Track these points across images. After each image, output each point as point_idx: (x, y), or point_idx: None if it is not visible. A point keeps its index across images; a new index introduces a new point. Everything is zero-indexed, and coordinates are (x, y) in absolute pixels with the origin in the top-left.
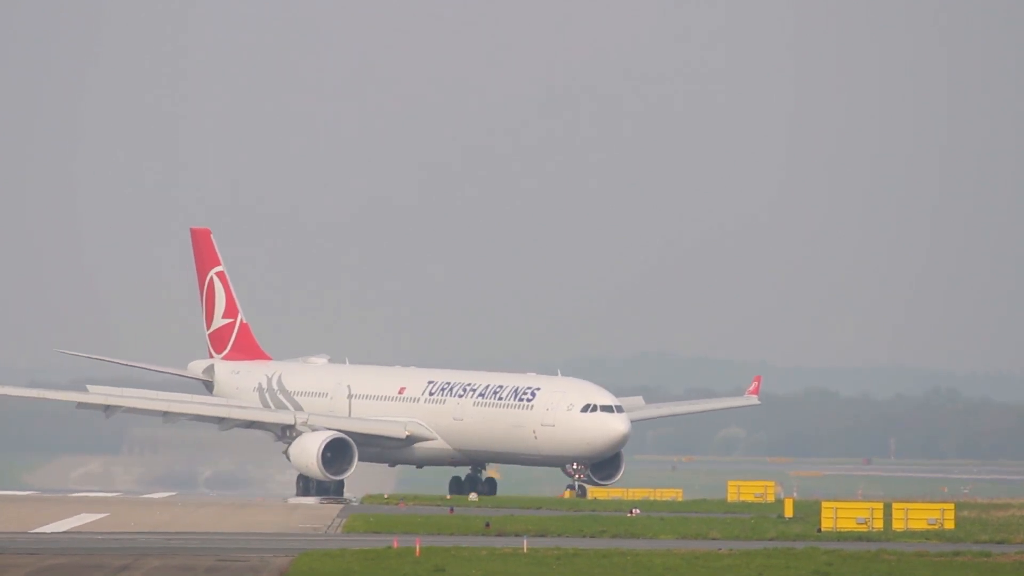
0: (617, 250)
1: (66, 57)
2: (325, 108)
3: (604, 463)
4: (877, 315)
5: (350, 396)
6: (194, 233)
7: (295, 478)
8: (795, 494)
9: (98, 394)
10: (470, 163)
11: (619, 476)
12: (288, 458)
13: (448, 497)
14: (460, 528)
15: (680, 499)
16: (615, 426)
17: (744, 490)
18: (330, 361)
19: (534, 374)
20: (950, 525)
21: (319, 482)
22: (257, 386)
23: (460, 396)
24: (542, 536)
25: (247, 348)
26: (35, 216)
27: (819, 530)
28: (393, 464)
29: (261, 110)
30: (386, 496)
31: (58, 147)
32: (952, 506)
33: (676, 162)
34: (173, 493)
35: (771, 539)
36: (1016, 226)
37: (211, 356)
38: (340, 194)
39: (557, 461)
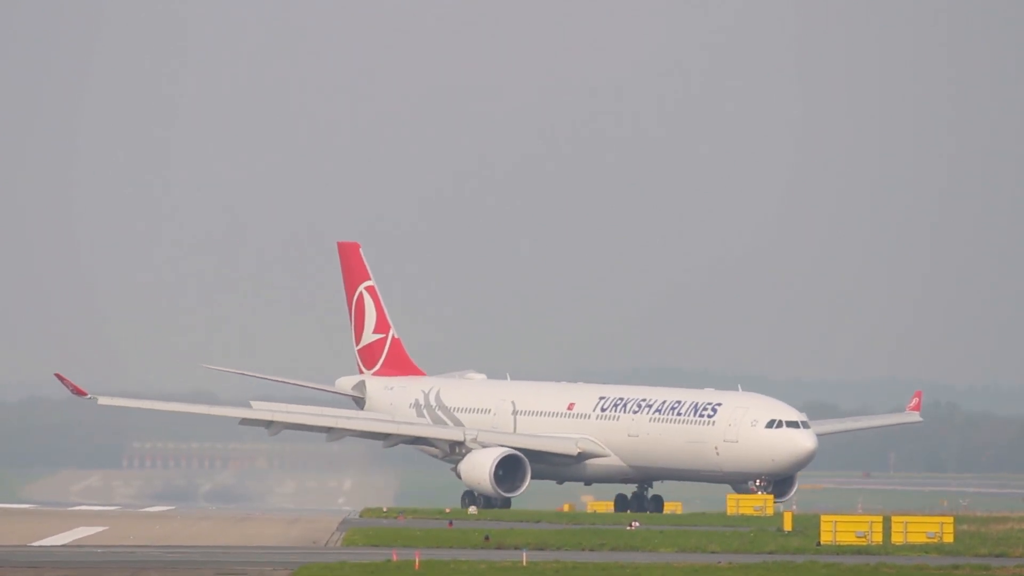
0: (615, 267)
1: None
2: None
3: (778, 480)
4: (877, 329)
5: (515, 412)
6: (342, 247)
7: (460, 494)
8: (794, 507)
9: (262, 410)
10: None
11: (792, 493)
12: (458, 475)
13: (447, 511)
14: (459, 541)
15: (679, 512)
16: (802, 442)
17: (743, 503)
18: (488, 377)
19: (712, 389)
20: (949, 539)
21: (487, 499)
22: (413, 402)
23: (635, 412)
24: (541, 550)
25: (399, 364)
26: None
27: (818, 543)
28: (561, 481)
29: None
30: (385, 509)
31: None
32: (951, 519)
33: (678, 174)
34: (172, 507)
35: (770, 552)
36: (1017, 240)
37: (360, 372)
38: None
39: (739, 478)
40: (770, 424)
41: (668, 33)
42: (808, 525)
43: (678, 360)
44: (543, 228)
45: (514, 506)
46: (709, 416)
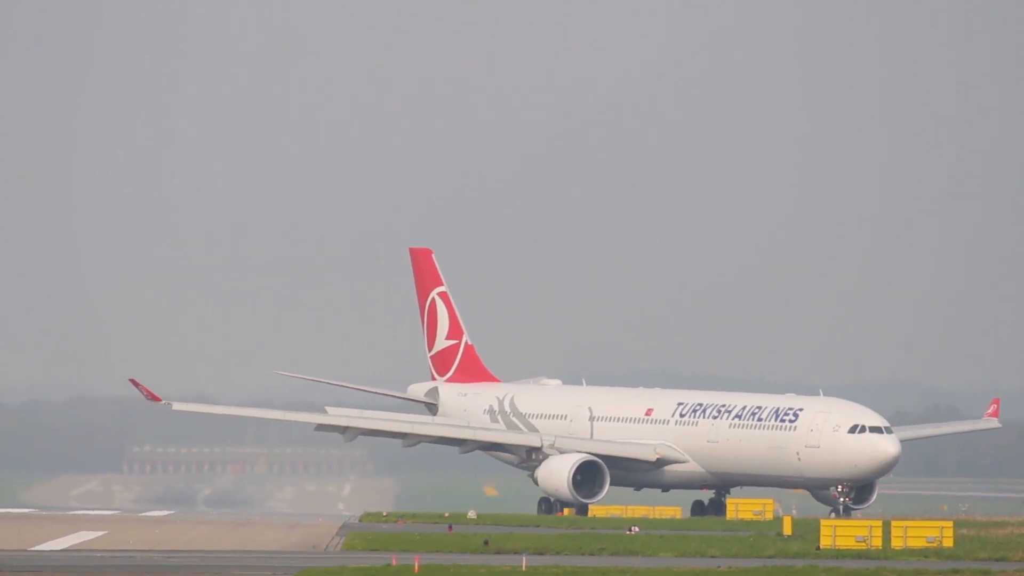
0: (615, 273)
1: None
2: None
3: (859, 487)
4: (877, 333)
5: (592, 418)
6: (414, 253)
7: (536, 500)
8: (794, 512)
9: (338, 416)
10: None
11: (872, 500)
12: (535, 481)
13: (447, 515)
14: (459, 546)
15: (679, 517)
16: (886, 448)
17: (743, 507)
18: (563, 382)
19: (793, 395)
20: (949, 543)
21: (564, 505)
22: (488, 408)
23: (715, 418)
24: (541, 554)
25: (473, 370)
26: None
27: (818, 548)
28: (639, 488)
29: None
30: (385, 514)
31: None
32: (951, 524)
33: (682, 181)
34: (172, 511)
35: (770, 557)
36: (1017, 245)
37: (433, 378)
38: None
39: (820, 484)
40: (853, 429)
41: (672, 38)
42: (808, 529)
43: (677, 363)
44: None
45: (514, 511)
46: (791, 421)
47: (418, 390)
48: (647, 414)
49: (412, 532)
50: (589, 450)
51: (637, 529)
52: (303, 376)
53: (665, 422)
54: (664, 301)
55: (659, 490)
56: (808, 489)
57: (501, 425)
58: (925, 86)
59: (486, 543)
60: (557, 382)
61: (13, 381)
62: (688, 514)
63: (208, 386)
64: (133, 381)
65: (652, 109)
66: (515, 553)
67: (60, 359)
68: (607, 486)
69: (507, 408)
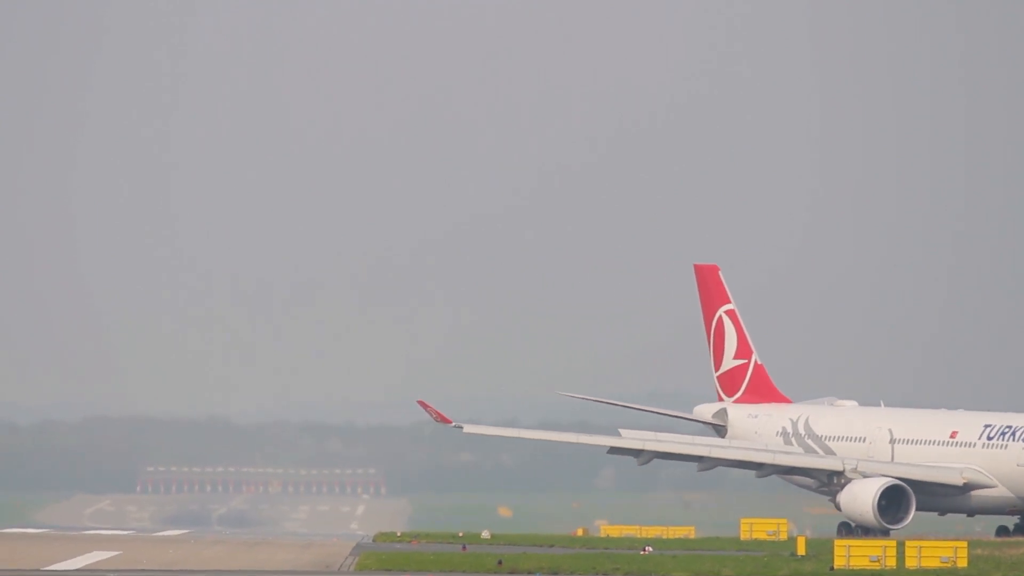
0: (624, 290)
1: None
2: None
3: None
4: (893, 354)
5: (892, 441)
6: (699, 270)
7: (836, 525)
8: (808, 532)
9: (632, 439)
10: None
11: None
12: (837, 506)
13: (461, 535)
14: (473, 566)
15: (693, 536)
16: None
17: (757, 527)
18: (860, 404)
19: None
20: (963, 563)
21: (865, 530)
22: (780, 430)
23: None
24: (555, 573)
25: (763, 390)
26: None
27: (832, 568)
28: (943, 513)
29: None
30: (399, 533)
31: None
32: (965, 544)
33: (691, 191)
34: (186, 531)
35: None
36: None
37: (720, 399)
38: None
39: None
40: None
41: (683, 55)
42: (822, 549)
43: (688, 385)
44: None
45: (528, 531)
46: None
47: (705, 411)
48: (952, 436)
49: (426, 552)
50: (893, 474)
51: (651, 549)
52: (586, 397)
53: (971, 445)
54: (655, 316)
55: (965, 515)
56: None
57: (796, 447)
58: (938, 98)
59: (500, 563)
60: (853, 403)
61: (25, 402)
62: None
63: (219, 406)
64: (422, 403)
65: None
66: (529, 573)
67: (72, 380)
68: (912, 512)
69: (801, 430)
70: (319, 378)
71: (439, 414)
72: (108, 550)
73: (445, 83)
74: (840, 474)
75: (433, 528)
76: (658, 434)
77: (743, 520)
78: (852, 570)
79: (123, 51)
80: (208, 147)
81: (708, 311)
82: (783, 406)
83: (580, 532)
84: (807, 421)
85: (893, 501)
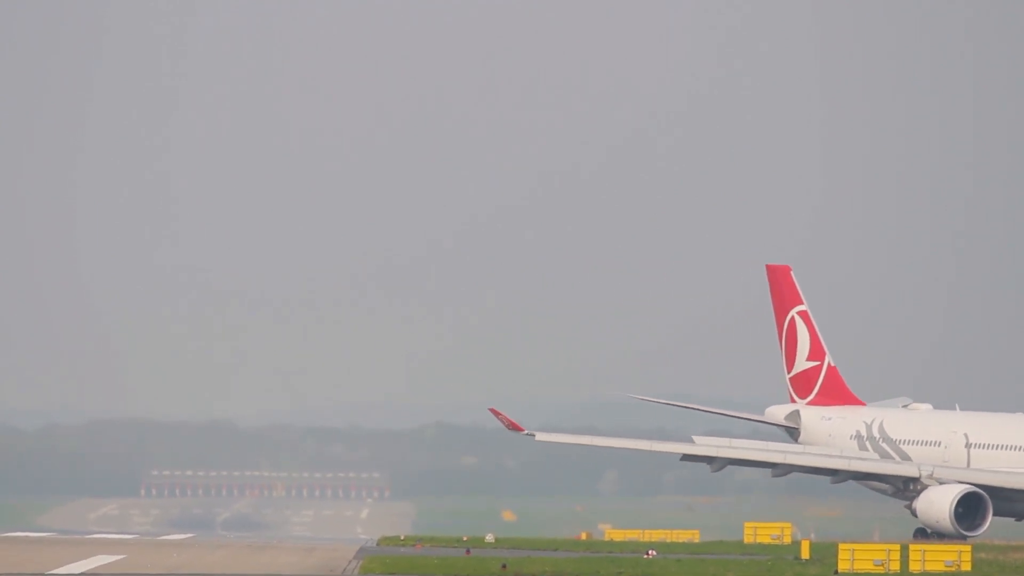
0: (634, 299)
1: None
2: None
3: None
4: (895, 358)
5: (968, 445)
6: (771, 270)
7: (911, 532)
8: (812, 535)
9: (705, 446)
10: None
11: None
12: (913, 513)
13: (465, 539)
14: (476, 570)
15: (697, 540)
16: None
17: (761, 531)
18: (934, 407)
19: None
20: (967, 567)
21: (941, 536)
22: (855, 434)
23: None
24: None
25: (835, 392)
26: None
27: (836, 572)
28: (1020, 518)
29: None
30: (403, 537)
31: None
32: (969, 548)
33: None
34: (190, 535)
35: None
36: None
37: (792, 401)
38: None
39: None
40: None
41: (687, 65)
42: (826, 553)
43: (697, 389)
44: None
45: (532, 534)
46: None
47: (777, 413)
48: None
49: (430, 556)
50: (970, 480)
51: (654, 553)
52: (658, 400)
53: None
54: (658, 324)
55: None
56: None
57: (870, 451)
58: (946, 102)
59: (504, 567)
60: (928, 406)
61: (29, 406)
62: None
63: (223, 410)
64: (494, 411)
65: None
66: None
67: (76, 384)
68: (989, 518)
69: (876, 434)
70: (323, 382)
71: (511, 422)
72: (112, 554)
73: (447, 85)
74: (916, 480)
75: (437, 532)
76: (732, 440)
77: (747, 524)
78: (857, 574)
79: (123, 51)
80: (209, 151)
81: (780, 312)
82: (857, 408)
83: (584, 536)
84: (881, 424)
85: (970, 508)
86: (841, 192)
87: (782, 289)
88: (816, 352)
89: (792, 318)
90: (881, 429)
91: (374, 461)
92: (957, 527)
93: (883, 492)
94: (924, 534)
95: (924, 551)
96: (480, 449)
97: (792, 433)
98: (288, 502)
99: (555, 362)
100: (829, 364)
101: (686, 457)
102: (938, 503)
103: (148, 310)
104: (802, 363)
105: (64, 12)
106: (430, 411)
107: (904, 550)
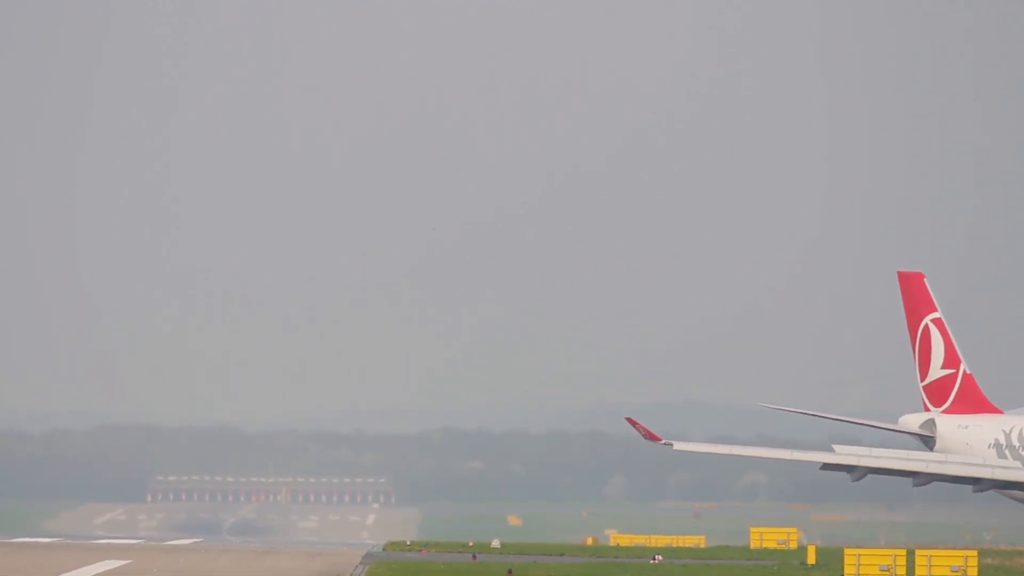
0: (637, 304)
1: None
2: None
3: None
4: (901, 364)
5: None
6: (903, 277)
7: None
8: (818, 541)
9: (846, 455)
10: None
11: None
12: None
13: (471, 544)
14: (483, 575)
15: (703, 546)
16: None
17: (767, 536)
18: None
19: None
20: (973, 572)
21: None
22: (993, 442)
23: None
24: None
25: (972, 400)
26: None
27: None
28: None
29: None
30: (409, 543)
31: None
32: (975, 553)
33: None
34: (196, 540)
35: None
36: None
37: (926, 409)
38: None
39: None
40: None
41: (693, 70)
42: (831, 559)
43: (699, 395)
44: None
45: (538, 539)
46: None
47: (911, 421)
48: None
49: (436, 561)
50: None
51: (660, 558)
52: (793, 409)
53: None
54: (665, 330)
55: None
56: None
57: (1010, 460)
58: (951, 110)
59: (510, 572)
60: None
61: (36, 411)
62: None
63: (229, 415)
64: (631, 420)
65: None
66: None
67: (82, 389)
68: None
69: (1015, 442)
70: (328, 387)
71: (648, 431)
72: (119, 559)
73: (448, 86)
74: None
75: (443, 537)
76: (872, 449)
77: (753, 529)
78: None
79: (124, 51)
80: (209, 152)
81: (913, 320)
82: (994, 416)
83: (590, 541)
84: (1021, 432)
85: None
86: (841, 193)
87: (915, 296)
88: (951, 360)
89: (926, 325)
90: (1021, 437)
91: (380, 466)
92: None
93: (1023, 501)
94: None
95: (930, 556)
96: (486, 454)
97: (927, 442)
98: (294, 507)
99: (557, 366)
100: (964, 372)
101: (827, 466)
102: None
103: (152, 314)
104: (936, 371)
105: (65, 12)
106: (436, 416)
107: (910, 555)
